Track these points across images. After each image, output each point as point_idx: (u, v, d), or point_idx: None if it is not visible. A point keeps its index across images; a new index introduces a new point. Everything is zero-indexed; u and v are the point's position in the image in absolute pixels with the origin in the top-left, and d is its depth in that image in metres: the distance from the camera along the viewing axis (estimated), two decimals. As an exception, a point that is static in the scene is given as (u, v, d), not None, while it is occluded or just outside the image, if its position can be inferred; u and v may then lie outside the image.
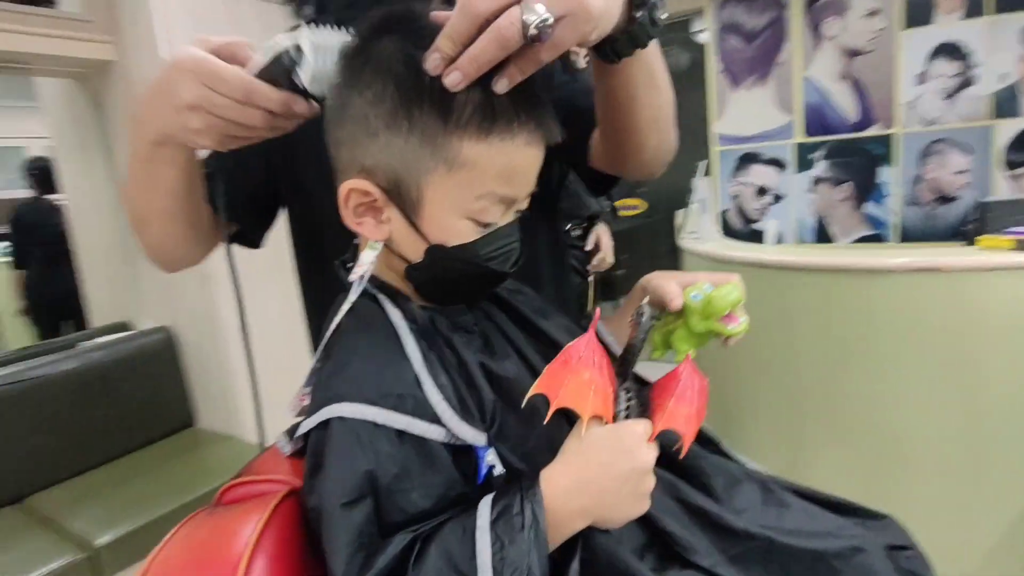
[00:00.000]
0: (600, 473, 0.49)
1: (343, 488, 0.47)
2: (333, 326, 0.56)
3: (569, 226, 1.95)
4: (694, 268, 2.28)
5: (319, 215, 0.73)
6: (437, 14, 0.51)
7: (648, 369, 0.62)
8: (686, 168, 2.68)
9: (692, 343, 0.61)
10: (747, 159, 2.87)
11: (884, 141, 2.58)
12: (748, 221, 2.92)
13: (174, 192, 0.63)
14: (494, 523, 0.45)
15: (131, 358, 2.16)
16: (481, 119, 0.49)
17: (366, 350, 0.53)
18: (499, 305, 0.66)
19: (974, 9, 2.35)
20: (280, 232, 0.85)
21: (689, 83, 3.18)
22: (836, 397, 1.79)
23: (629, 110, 0.63)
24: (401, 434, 0.49)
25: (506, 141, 0.51)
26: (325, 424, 0.49)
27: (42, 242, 3.16)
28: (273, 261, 1.09)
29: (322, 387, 0.53)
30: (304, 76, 0.52)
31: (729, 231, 2.94)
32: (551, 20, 0.44)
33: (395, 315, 0.55)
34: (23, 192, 3.37)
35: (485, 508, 0.47)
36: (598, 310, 0.55)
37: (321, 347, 0.57)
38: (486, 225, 0.54)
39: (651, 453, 0.50)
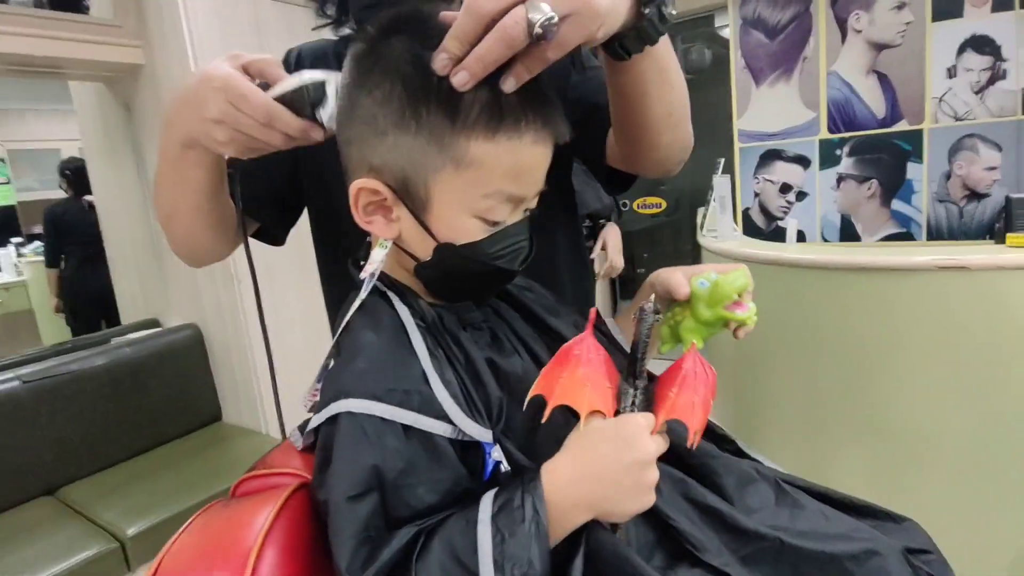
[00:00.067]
0: (600, 465, 0.49)
1: (349, 482, 0.47)
2: (344, 323, 0.57)
3: None
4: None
5: (340, 213, 0.75)
6: (445, 14, 0.51)
7: (664, 367, 0.61)
8: (709, 165, 2.65)
9: (700, 333, 0.60)
10: (770, 156, 2.82)
11: (912, 137, 2.52)
12: (771, 219, 2.88)
13: (200, 191, 0.66)
14: (495, 516, 0.46)
15: (160, 354, 2.22)
16: (488, 118, 0.50)
17: (374, 347, 0.53)
18: (509, 302, 0.66)
19: (1004, 1, 2.28)
20: (305, 230, 0.87)
21: (715, 79, 3.15)
22: (858, 397, 1.76)
23: (641, 107, 0.63)
24: (408, 429, 0.49)
25: (513, 140, 0.51)
26: (334, 419, 0.50)
27: (78, 242, 3.24)
28: (297, 259, 1.11)
29: (331, 383, 0.53)
30: (324, 114, 0.55)
31: (752, 229, 2.90)
32: (556, 18, 0.45)
33: (403, 312, 0.56)
34: (61, 193, 3.46)
35: (487, 502, 0.47)
36: (593, 310, 0.55)
37: (332, 343, 0.58)
38: (494, 224, 0.55)
39: (653, 444, 0.50)
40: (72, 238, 3.28)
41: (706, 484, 0.62)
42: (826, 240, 2.77)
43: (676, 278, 0.61)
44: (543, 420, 0.49)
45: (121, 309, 2.70)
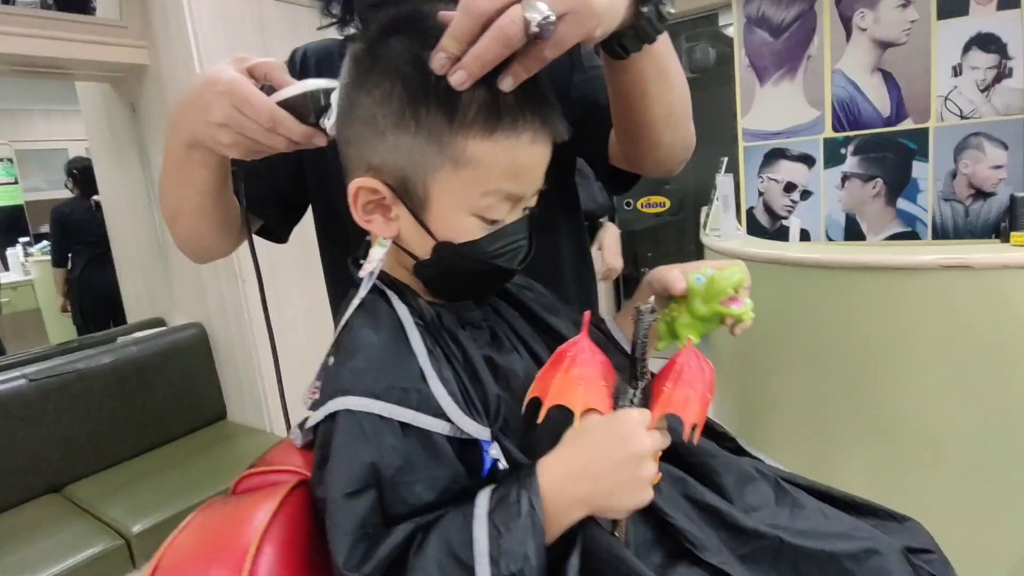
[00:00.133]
0: (595, 460, 0.49)
1: (347, 479, 0.48)
2: (343, 321, 0.57)
3: None
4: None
5: (343, 212, 0.75)
6: (444, 14, 0.51)
7: (661, 364, 0.61)
8: (713, 164, 2.64)
9: (697, 329, 0.60)
10: (775, 155, 2.82)
11: (918, 135, 2.51)
12: (776, 218, 2.87)
13: (205, 190, 0.67)
14: (491, 512, 0.46)
15: (165, 353, 2.24)
16: (486, 117, 0.50)
17: (373, 345, 0.54)
18: (508, 301, 0.67)
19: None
20: (308, 227, 0.88)
21: (719, 78, 3.14)
22: (861, 396, 1.75)
23: (641, 106, 0.63)
24: (406, 427, 0.50)
25: (511, 139, 0.51)
26: (332, 417, 0.51)
27: (85, 242, 3.26)
28: (301, 257, 1.12)
29: (330, 381, 0.54)
30: (327, 122, 0.56)
31: (756, 228, 2.89)
32: (553, 17, 0.45)
33: (402, 311, 0.56)
34: (68, 193, 3.48)
35: (483, 498, 0.48)
36: (587, 314, 0.56)
37: (332, 342, 0.58)
38: (493, 222, 0.55)
39: (649, 439, 0.50)
40: (79, 238, 3.29)
41: (705, 482, 0.61)
42: (831, 239, 2.76)
43: (672, 274, 0.61)
44: (539, 421, 0.49)
45: (127, 308, 2.72)
